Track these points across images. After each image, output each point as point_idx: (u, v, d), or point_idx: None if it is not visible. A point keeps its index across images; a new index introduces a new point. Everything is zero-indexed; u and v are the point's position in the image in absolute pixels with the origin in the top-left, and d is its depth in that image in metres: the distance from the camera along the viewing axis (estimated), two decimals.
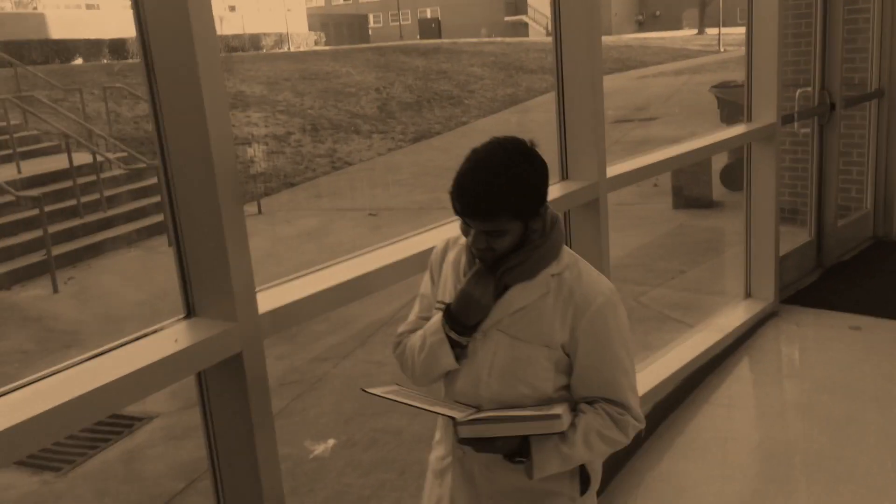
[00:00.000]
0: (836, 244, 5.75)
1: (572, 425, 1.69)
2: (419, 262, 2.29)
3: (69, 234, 8.85)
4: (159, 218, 9.69)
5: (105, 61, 22.39)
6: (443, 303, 1.78)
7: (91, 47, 23.68)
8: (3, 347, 6.32)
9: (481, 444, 1.67)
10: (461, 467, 1.84)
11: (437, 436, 1.96)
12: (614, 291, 1.75)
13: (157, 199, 9.98)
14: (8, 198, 8.67)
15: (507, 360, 1.71)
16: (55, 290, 7.75)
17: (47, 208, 8.42)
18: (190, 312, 2.01)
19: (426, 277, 1.92)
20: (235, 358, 1.94)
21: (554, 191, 3.35)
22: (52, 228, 8.46)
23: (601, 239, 3.47)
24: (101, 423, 4.80)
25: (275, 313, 2.03)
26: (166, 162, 1.91)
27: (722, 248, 7.49)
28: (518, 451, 1.69)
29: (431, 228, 2.77)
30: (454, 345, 1.74)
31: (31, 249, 8.39)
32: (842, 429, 3.69)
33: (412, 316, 1.93)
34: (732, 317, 4.77)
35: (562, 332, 1.70)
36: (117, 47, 24.06)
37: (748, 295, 5.04)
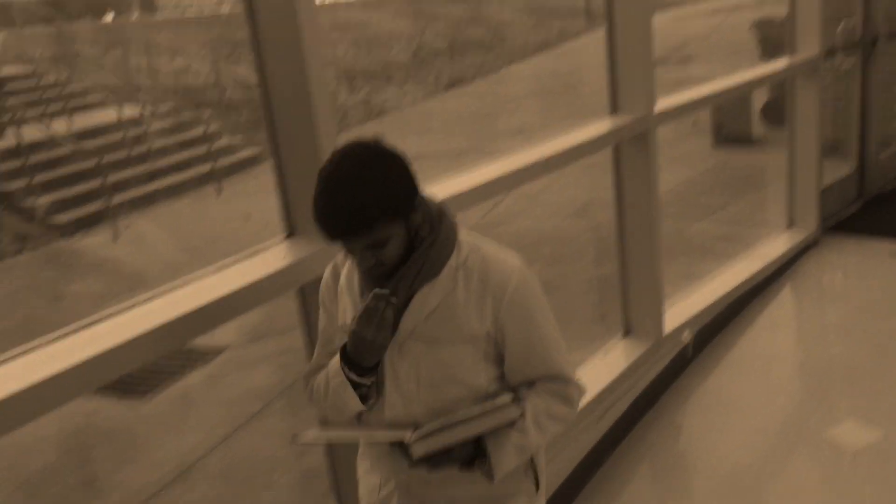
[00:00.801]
0: (878, 175, 5.85)
1: (521, 413, 1.60)
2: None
3: (122, 185, 9.17)
4: (205, 168, 9.98)
5: (136, 15, 22.56)
6: (345, 325, 1.65)
7: (120, 3, 23.87)
8: (75, 290, 6.70)
9: (437, 460, 1.54)
10: (408, 492, 1.71)
11: (365, 465, 1.81)
12: (523, 265, 1.65)
13: (202, 150, 10.25)
14: (63, 151, 9.01)
15: (433, 366, 1.60)
16: (115, 238, 8.11)
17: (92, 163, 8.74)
18: (291, 233, 2.24)
19: (321, 312, 1.77)
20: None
21: (603, 125, 3.52)
22: (96, 183, 8.79)
23: (650, 172, 3.63)
24: (177, 355, 5.15)
25: None
26: (269, 94, 2.13)
27: (763, 183, 7.59)
28: (474, 455, 1.59)
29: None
30: (357, 385, 1.61)
31: (88, 200, 8.75)
32: (882, 347, 3.87)
33: (315, 356, 1.79)
34: (775, 246, 4.93)
35: (482, 322, 1.59)
36: (147, 3, 24.21)
37: (790, 225, 5.19)
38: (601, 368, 3.69)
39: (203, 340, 5.21)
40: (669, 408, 3.61)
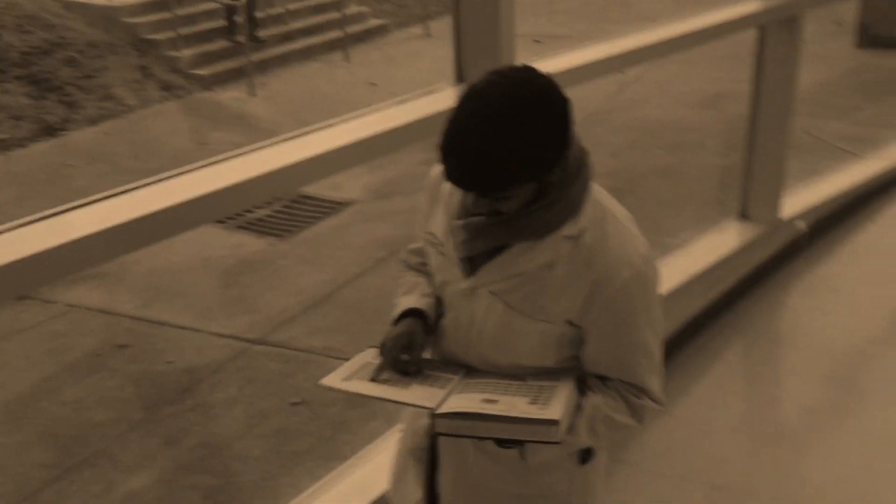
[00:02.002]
0: None
1: (578, 407, 1.37)
2: None
3: (258, 45, 9.58)
4: (336, 34, 10.25)
5: None
6: (433, 236, 1.50)
7: None
8: (218, 137, 7.24)
9: (459, 437, 1.38)
10: (445, 447, 1.56)
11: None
12: (648, 258, 1.37)
13: (335, 15, 10.49)
14: (202, 7, 9.44)
15: (500, 329, 1.40)
16: (252, 94, 8.58)
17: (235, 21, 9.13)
18: (460, 80, 2.48)
19: (422, 204, 1.57)
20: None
21: (750, 5, 3.51)
22: (240, 39, 9.20)
23: (792, 64, 3.55)
24: (309, 205, 5.61)
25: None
26: None
27: None
28: (507, 440, 1.38)
29: None
30: None
31: (228, 55, 9.22)
32: None
33: (413, 242, 1.66)
34: None
35: (571, 307, 1.35)
36: None
37: None
38: (714, 244, 3.87)
39: (333, 194, 5.64)
40: (776, 289, 3.78)
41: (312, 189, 5.65)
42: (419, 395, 1.38)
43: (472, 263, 1.40)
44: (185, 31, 9.10)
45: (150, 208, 1.68)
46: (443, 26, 11.72)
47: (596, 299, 1.33)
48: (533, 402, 1.33)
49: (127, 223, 1.65)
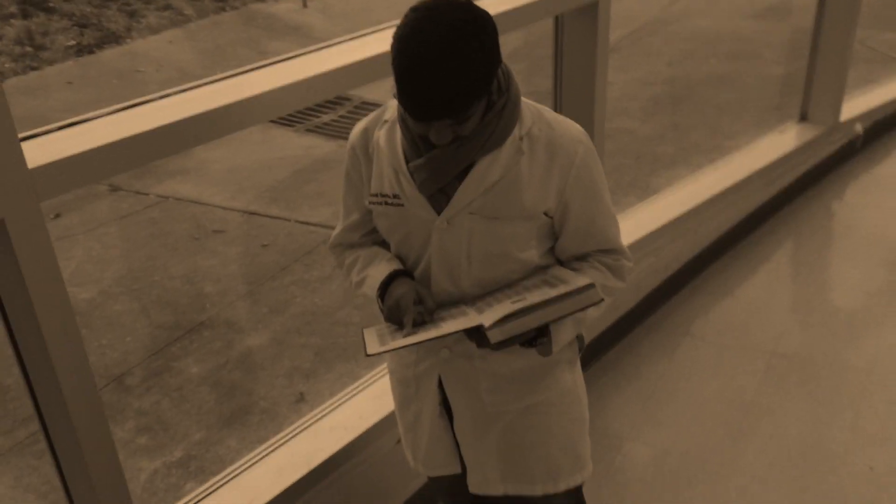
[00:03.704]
0: None
1: (601, 298, 1.45)
2: None
3: None
4: None
5: None
6: (381, 195, 1.50)
7: None
8: (276, 47, 7.42)
9: (509, 342, 1.41)
10: (448, 367, 1.60)
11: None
12: (585, 133, 1.51)
13: None
14: None
15: (487, 241, 1.46)
16: (304, 5, 8.70)
17: None
18: None
19: (344, 181, 1.60)
20: (590, 7, 2.59)
21: None
22: None
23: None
24: (372, 108, 5.81)
25: None
26: None
27: None
28: (536, 333, 1.47)
29: None
30: None
31: None
32: None
33: (341, 222, 1.66)
34: None
35: (545, 197, 1.45)
36: None
37: None
38: (773, 145, 4.06)
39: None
40: (833, 186, 3.99)
41: (376, 95, 5.85)
42: (456, 324, 1.41)
43: (438, 198, 1.45)
44: None
45: (222, 102, 1.74)
46: None
47: (565, 183, 1.45)
48: (553, 287, 1.43)
49: (203, 114, 1.69)
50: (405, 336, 1.41)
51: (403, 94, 1.28)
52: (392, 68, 1.29)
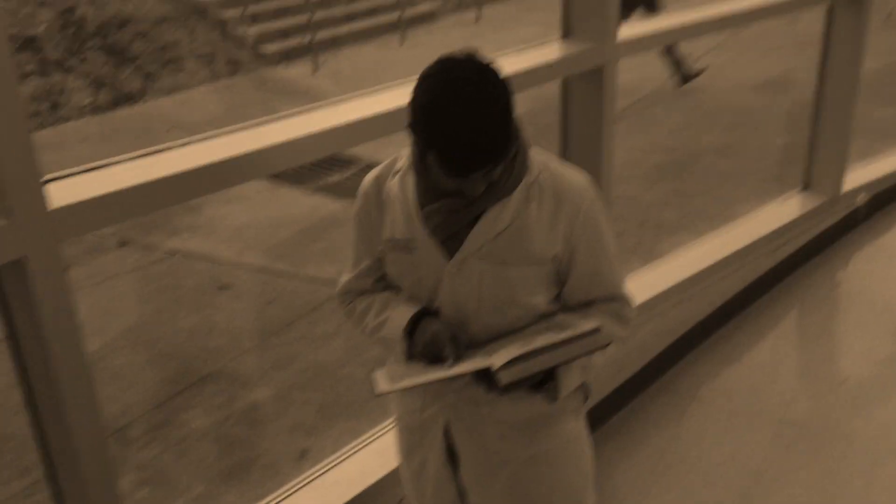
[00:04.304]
0: None
1: (609, 342, 1.49)
2: None
3: (321, 24, 9.90)
4: (392, 18, 10.54)
5: None
6: (394, 241, 1.54)
7: None
8: (285, 110, 7.57)
9: (515, 385, 1.42)
10: (455, 413, 1.60)
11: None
12: (590, 181, 1.56)
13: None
14: None
15: (497, 286, 1.50)
16: (314, 71, 8.92)
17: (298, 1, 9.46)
18: (566, 34, 2.74)
19: (355, 228, 1.64)
20: (596, 71, 2.68)
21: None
22: (301, 19, 9.53)
23: (860, 38, 3.49)
24: None
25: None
26: None
27: None
28: (543, 378, 1.49)
29: None
30: None
31: (292, 34, 9.55)
32: None
33: (351, 269, 1.67)
34: None
35: (553, 243, 1.50)
36: None
37: None
38: (776, 213, 4.10)
39: None
40: (837, 255, 4.02)
41: (382, 156, 5.94)
42: (466, 365, 1.43)
43: (449, 243, 1.48)
44: (251, 9, 9.45)
45: (235, 152, 1.79)
46: (492, 12, 11.97)
47: (573, 229, 1.49)
48: (560, 331, 1.46)
49: (215, 163, 1.74)
50: (417, 376, 1.44)
51: (443, 156, 1.32)
52: (419, 132, 1.34)
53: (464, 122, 1.29)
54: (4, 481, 2.90)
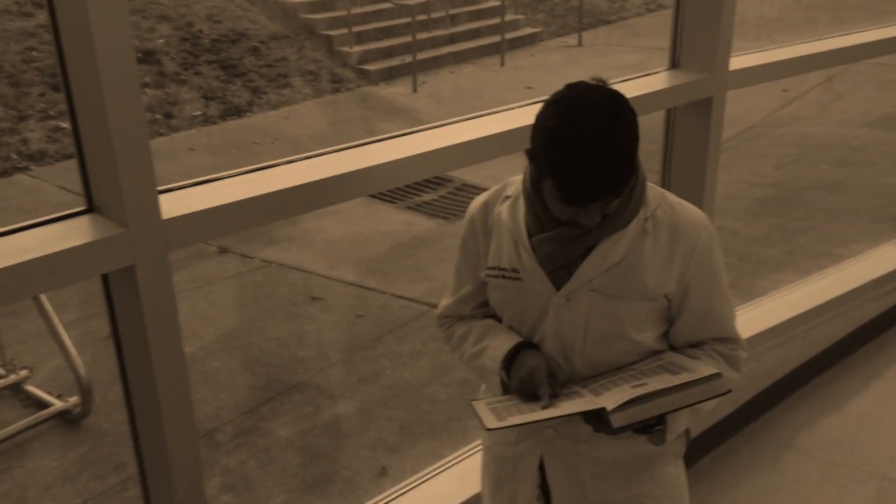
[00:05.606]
0: None
1: (729, 389, 1.41)
2: None
3: (423, 44, 10.07)
4: (493, 39, 10.62)
5: None
6: (499, 269, 1.51)
7: None
8: (386, 128, 7.72)
9: (629, 426, 1.36)
10: (551, 449, 1.56)
11: None
12: (707, 217, 1.52)
13: (493, 20, 10.86)
14: (372, 7, 10.01)
15: (605, 320, 1.45)
16: (414, 90, 9.06)
17: (401, 21, 9.65)
18: (674, 64, 2.68)
19: (459, 253, 1.62)
20: (704, 101, 2.61)
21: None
22: (402, 40, 9.71)
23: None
24: (472, 190, 5.93)
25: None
26: None
27: None
28: (653, 421, 1.40)
29: None
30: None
31: (389, 55, 9.75)
32: None
33: (452, 294, 1.65)
34: None
35: (667, 280, 1.45)
36: None
37: None
38: (891, 255, 3.89)
39: (493, 184, 5.92)
40: None
41: (476, 178, 5.98)
42: (575, 405, 1.38)
43: (558, 273, 1.45)
44: (356, 28, 9.71)
45: (336, 171, 1.81)
46: (593, 37, 11.90)
47: (688, 267, 1.45)
48: (674, 374, 1.39)
49: (317, 181, 1.76)
50: (528, 412, 1.38)
51: (562, 183, 1.30)
52: (540, 156, 1.33)
53: (590, 148, 1.27)
54: (100, 475, 3.03)
